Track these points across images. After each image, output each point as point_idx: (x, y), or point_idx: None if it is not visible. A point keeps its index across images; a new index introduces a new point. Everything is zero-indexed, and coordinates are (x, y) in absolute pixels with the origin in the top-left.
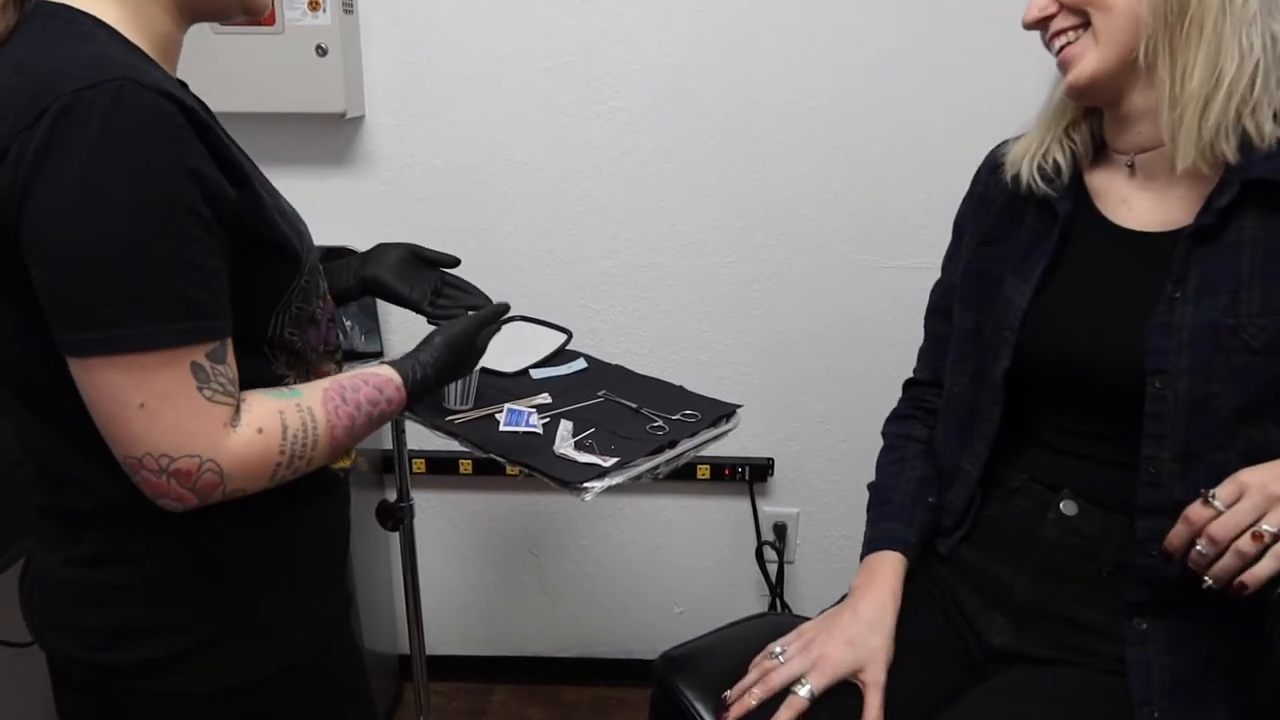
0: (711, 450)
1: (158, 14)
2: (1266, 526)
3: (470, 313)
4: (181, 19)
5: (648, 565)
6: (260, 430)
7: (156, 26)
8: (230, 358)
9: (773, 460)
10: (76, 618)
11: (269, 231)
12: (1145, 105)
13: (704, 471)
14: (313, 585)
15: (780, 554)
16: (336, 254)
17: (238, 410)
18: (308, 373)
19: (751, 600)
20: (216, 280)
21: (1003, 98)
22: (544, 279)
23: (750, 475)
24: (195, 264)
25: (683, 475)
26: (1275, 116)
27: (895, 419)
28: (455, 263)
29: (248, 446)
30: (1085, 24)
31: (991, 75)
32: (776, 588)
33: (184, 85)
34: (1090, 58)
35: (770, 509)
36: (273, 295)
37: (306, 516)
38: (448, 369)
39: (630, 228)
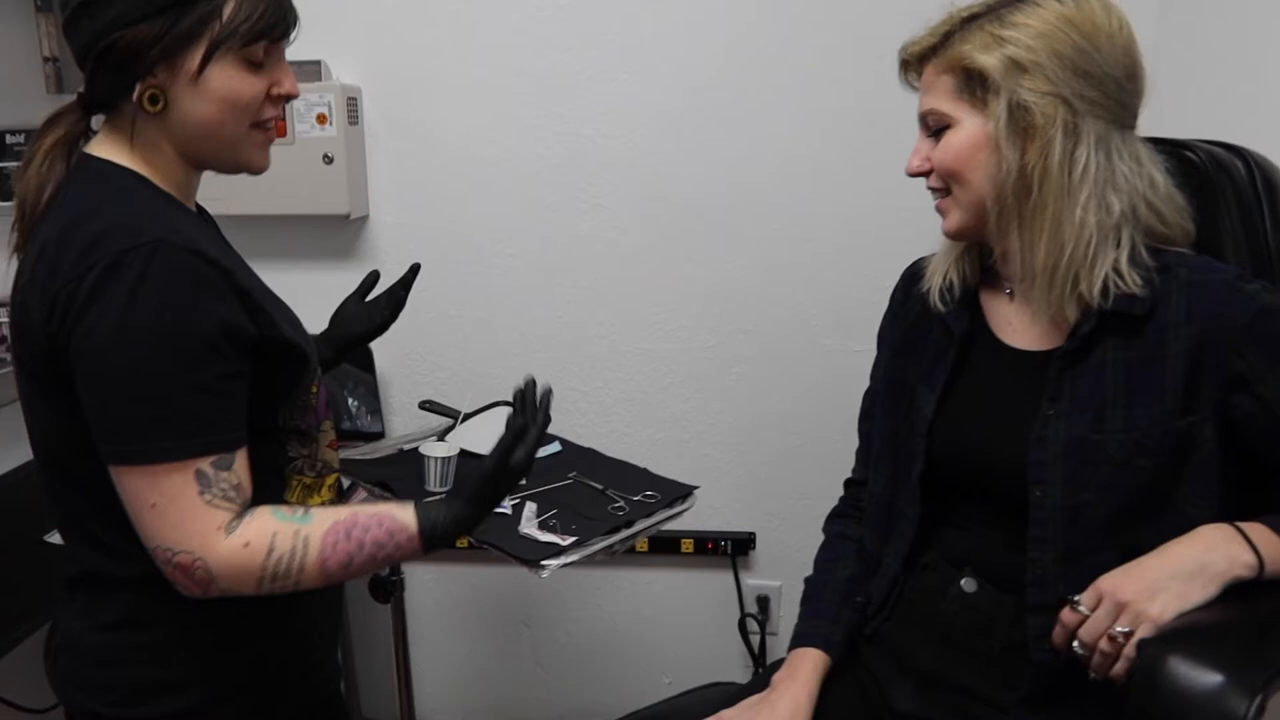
0: (695, 525)
1: (175, 164)
2: (1118, 629)
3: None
4: (194, 169)
5: (637, 636)
6: (247, 544)
7: (174, 173)
8: (238, 466)
9: (754, 534)
10: (100, 677)
11: (280, 346)
12: (1004, 237)
13: (688, 545)
14: (310, 652)
15: (762, 626)
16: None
17: (239, 516)
18: (316, 448)
19: (736, 670)
20: (228, 401)
21: None
22: (535, 364)
23: (733, 549)
24: (208, 389)
25: (668, 549)
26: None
27: (834, 517)
28: (375, 277)
29: (232, 555)
30: (949, 190)
31: None
32: (760, 658)
33: (201, 211)
34: (954, 216)
35: (753, 581)
36: (283, 394)
37: (304, 600)
38: (475, 515)
39: (615, 315)
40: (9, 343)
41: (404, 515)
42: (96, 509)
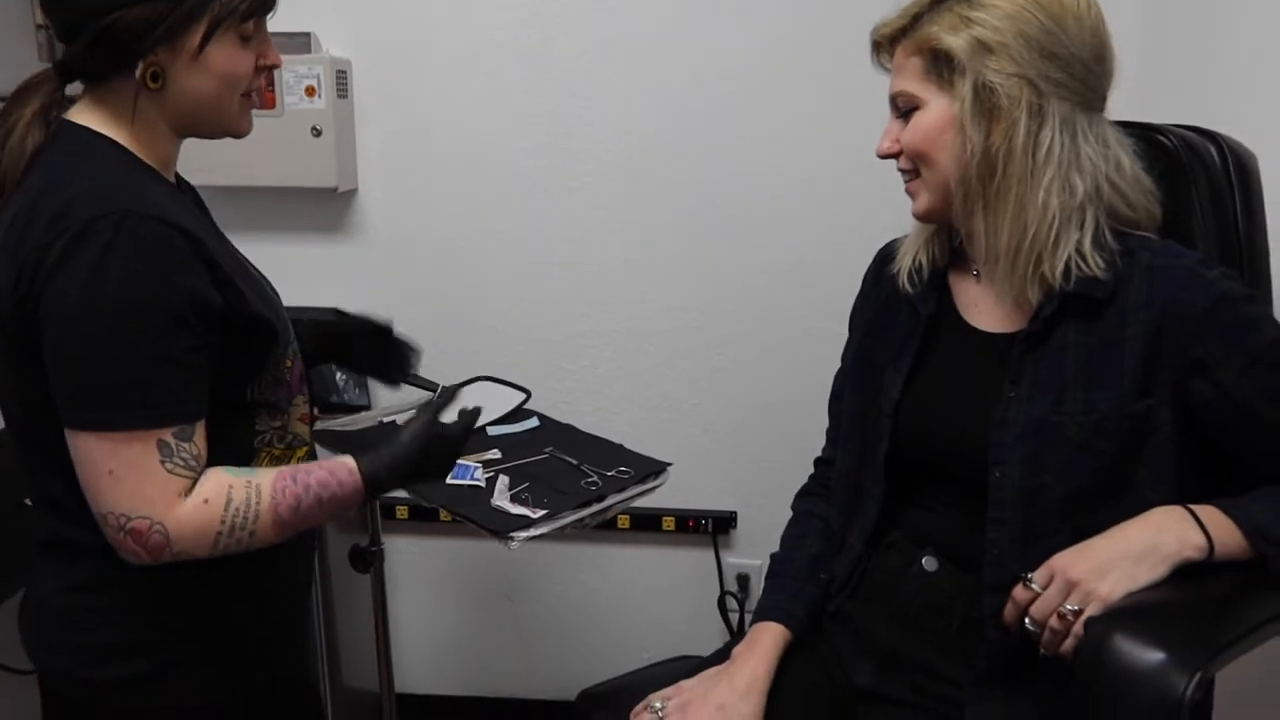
0: (677, 503)
1: (159, 135)
2: (1068, 606)
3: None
4: (177, 138)
5: (617, 612)
6: (206, 501)
7: (157, 144)
8: (198, 437)
9: (735, 513)
10: (69, 638)
11: (250, 320)
12: (968, 218)
13: (669, 523)
14: (274, 621)
15: (741, 604)
16: (330, 314)
17: (194, 485)
18: (287, 422)
19: (715, 647)
20: (193, 373)
21: None
22: (521, 340)
23: (714, 527)
24: (174, 359)
25: (649, 526)
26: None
27: (803, 495)
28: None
29: (193, 513)
30: (918, 171)
31: None
32: (738, 636)
33: (180, 181)
34: (922, 197)
35: (734, 560)
36: (253, 368)
37: (273, 560)
38: (414, 466)
39: (602, 294)
40: None
41: (346, 459)
42: (60, 475)
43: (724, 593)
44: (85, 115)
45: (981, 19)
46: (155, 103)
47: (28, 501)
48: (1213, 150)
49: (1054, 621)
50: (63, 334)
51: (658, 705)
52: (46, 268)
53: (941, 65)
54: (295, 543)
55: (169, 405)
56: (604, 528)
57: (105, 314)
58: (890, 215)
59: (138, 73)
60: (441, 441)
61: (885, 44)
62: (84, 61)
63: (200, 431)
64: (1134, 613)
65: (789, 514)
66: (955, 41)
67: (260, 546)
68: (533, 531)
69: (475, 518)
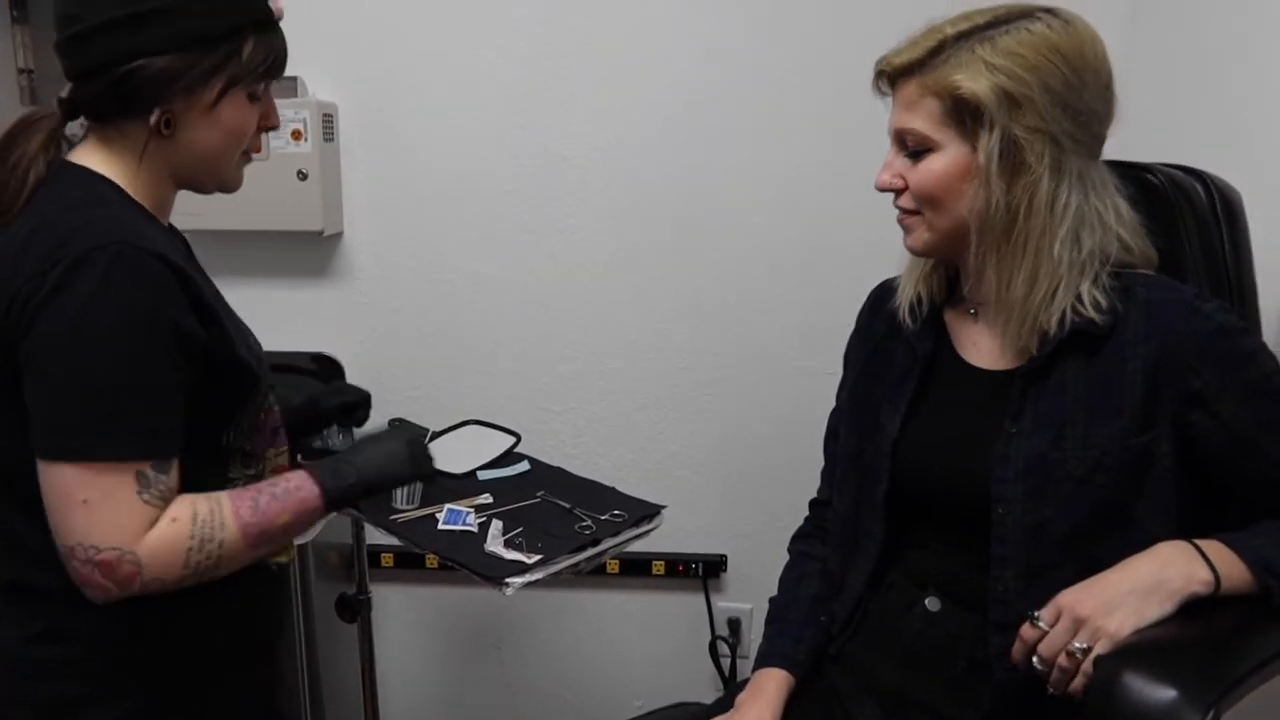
0: (666, 547)
1: (154, 181)
2: (1077, 644)
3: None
4: (173, 186)
5: (607, 658)
6: (174, 520)
7: (153, 189)
8: (174, 471)
9: (725, 557)
10: (24, 689)
11: (232, 362)
12: (980, 266)
13: (659, 567)
14: (239, 670)
15: (733, 649)
16: (320, 360)
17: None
18: (262, 470)
19: (707, 693)
20: (175, 407)
21: None
22: (507, 383)
23: (704, 571)
24: (159, 391)
25: (638, 571)
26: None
27: (799, 537)
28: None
29: (161, 534)
30: (919, 210)
31: None
32: (730, 681)
33: (172, 228)
34: (920, 234)
35: (725, 604)
36: (229, 413)
37: (235, 605)
38: (377, 470)
39: (587, 335)
40: None
41: (294, 471)
42: (31, 517)
43: (715, 637)
44: (88, 156)
45: (1005, 67)
46: (163, 149)
47: None
48: (1199, 188)
49: (1062, 660)
50: (51, 360)
51: None
52: (40, 296)
53: (964, 112)
54: (262, 591)
55: (151, 438)
56: (593, 573)
57: (95, 342)
58: (881, 256)
59: (153, 119)
60: (399, 452)
61: (892, 74)
62: (97, 103)
63: (176, 467)
64: (1143, 650)
65: (779, 557)
66: (982, 91)
67: (232, 564)
68: (528, 577)
69: (469, 564)
